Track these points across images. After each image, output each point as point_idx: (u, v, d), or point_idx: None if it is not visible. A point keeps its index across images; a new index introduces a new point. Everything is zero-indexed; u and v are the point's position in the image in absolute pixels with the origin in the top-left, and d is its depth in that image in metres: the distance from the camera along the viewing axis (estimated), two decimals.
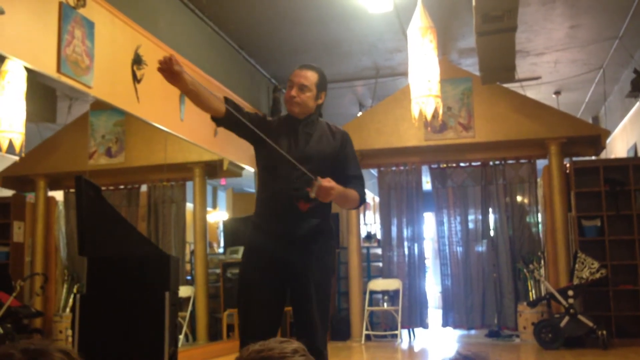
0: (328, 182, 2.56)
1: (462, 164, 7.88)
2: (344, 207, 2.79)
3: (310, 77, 2.77)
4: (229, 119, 2.72)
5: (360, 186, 2.81)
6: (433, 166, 7.97)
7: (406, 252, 7.90)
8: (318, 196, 2.54)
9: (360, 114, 9.23)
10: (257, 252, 2.74)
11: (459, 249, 7.78)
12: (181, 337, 6.62)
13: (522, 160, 7.67)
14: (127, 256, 2.96)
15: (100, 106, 5.42)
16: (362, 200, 2.81)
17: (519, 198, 7.67)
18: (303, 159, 2.67)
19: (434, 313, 9.11)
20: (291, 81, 2.77)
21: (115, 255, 2.96)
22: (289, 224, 2.68)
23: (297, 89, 2.74)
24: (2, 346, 1.22)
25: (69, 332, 5.73)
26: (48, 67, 4.14)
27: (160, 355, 2.79)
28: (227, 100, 2.73)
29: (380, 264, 8.16)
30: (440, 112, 5.68)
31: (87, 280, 2.98)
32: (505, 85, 7.60)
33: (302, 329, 2.72)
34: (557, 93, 9.60)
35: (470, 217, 7.81)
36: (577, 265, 6.52)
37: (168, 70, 2.46)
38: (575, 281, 6.49)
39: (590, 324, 6.31)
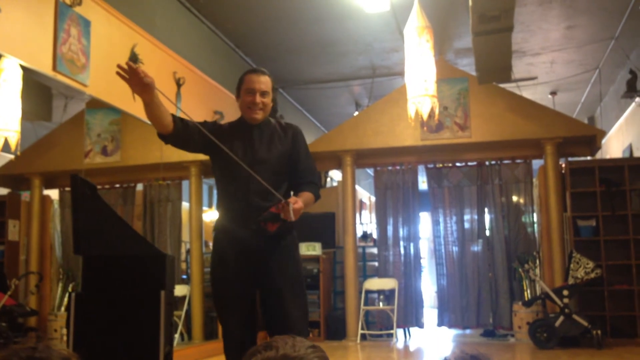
0: (296, 204, 2.60)
1: (458, 164, 7.88)
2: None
3: (267, 82, 2.83)
4: (176, 136, 2.69)
5: (312, 184, 2.86)
6: (429, 166, 7.98)
7: (402, 251, 7.91)
8: (293, 218, 2.57)
9: (356, 113, 9.23)
10: (226, 257, 2.74)
11: (455, 249, 7.79)
12: (176, 336, 6.62)
13: (518, 160, 7.68)
14: (122, 255, 2.95)
15: (96, 104, 5.40)
16: (317, 196, 2.87)
17: (514, 198, 7.68)
18: (258, 162, 2.73)
19: (430, 312, 9.12)
20: (251, 89, 2.80)
21: (111, 254, 2.95)
22: (252, 230, 2.69)
23: (260, 95, 2.79)
24: (4, 352, 1.20)
25: (64, 330, 5.71)
26: (44, 65, 4.14)
27: (155, 354, 2.79)
28: (174, 116, 2.70)
29: (376, 264, 8.16)
30: (437, 111, 5.69)
31: (83, 279, 2.97)
32: (502, 85, 7.62)
33: (279, 328, 2.69)
34: (553, 93, 9.62)
35: (466, 217, 7.82)
36: (572, 265, 6.53)
37: (139, 81, 2.43)
38: (571, 281, 6.50)
39: (585, 323, 6.32)
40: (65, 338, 5.67)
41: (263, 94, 2.80)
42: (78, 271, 6.02)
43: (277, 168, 2.78)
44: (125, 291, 2.90)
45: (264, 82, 2.81)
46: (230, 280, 2.72)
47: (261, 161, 2.74)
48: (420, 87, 5.50)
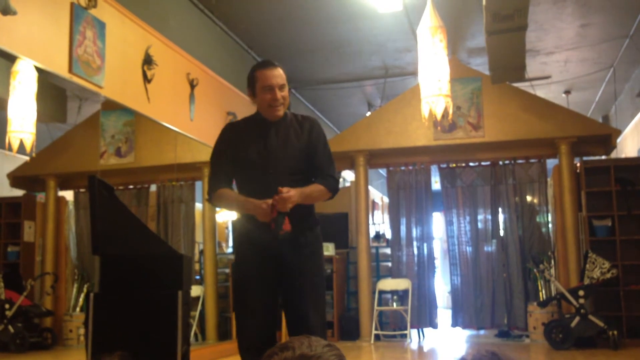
0: (286, 193, 2.54)
1: (471, 164, 7.85)
2: (314, 202, 2.78)
3: (281, 74, 2.76)
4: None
5: (328, 176, 2.77)
6: (442, 166, 7.95)
7: (415, 251, 7.88)
8: (279, 209, 2.54)
9: (369, 113, 9.22)
10: (246, 258, 2.73)
11: (468, 249, 7.75)
12: (190, 336, 6.64)
13: (532, 160, 7.64)
14: (140, 255, 2.96)
15: (109, 106, 5.43)
16: (333, 189, 2.78)
17: (528, 198, 7.63)
18: (276, 159, 2.69)
19: (443, 313, 9.10)
20: (269, 85, 2.71)
21: (129, 255, 2.97)
22: (268, 227, 2.63)
23: (279, 90, 2.73)
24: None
25: (80, 331, 5.76)
26: (60, 67, 4.16)
27: (173, 353, 2.80)
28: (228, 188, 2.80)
29: (390, 264, 8.14)
30: (450, 111, 5.67)
31: (100, 279, 2.99)
32: (515, 84, 7.58)
33: (297, 330, 2.67)
34: (567, 92, 9.57)
35: (480, 217, 7.78)
36: (587, 265, 6.48)
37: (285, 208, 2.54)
38: (586, 281, 6.45)
39: (601, 324, 6.28)
40: (81, 338, 5.71)
41: (281, 87, 2.73)
42: (93, 272, 6.06)
43: (295, 168, 2.71)
44: (142, 291, 2.91)
45: (279, 75, 2.74)
46: (251, 281, 2.69)
47: (277, 162, 2.69)
48: (434, 87, 5.48)
